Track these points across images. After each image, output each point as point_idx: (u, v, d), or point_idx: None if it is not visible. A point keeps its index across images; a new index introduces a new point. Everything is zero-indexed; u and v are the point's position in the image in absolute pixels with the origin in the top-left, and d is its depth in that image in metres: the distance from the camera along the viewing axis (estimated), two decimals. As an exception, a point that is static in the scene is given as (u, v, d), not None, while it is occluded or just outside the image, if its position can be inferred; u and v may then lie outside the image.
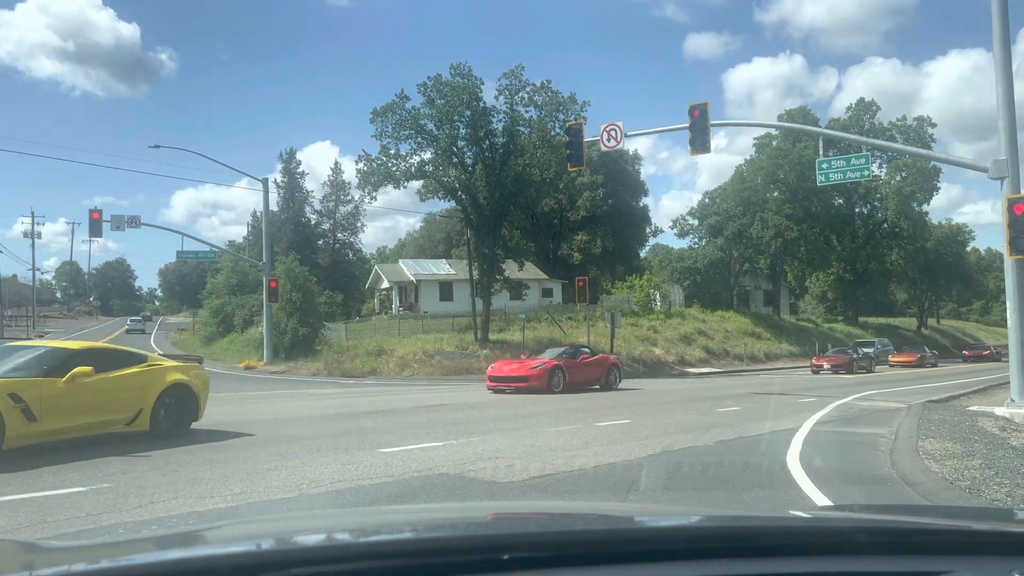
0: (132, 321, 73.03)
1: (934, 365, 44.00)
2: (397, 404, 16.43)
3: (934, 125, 63.83)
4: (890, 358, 44.18)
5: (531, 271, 54.62)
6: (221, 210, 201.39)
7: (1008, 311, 13.19)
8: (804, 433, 10.91)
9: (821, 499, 6.37)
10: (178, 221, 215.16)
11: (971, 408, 14.55)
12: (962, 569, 1.43)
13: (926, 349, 47.11)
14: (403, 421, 12.65)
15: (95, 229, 28.46)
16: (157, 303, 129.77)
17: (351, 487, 6.74)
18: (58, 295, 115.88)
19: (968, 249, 78.09)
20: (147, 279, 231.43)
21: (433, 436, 10.39)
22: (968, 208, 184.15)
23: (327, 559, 1.32)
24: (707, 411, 14.92)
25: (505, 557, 1.32)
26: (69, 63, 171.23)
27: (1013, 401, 12.69)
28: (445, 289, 56.98)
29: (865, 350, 40.96)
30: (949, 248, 69.21)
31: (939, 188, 64.25)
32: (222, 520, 5.32)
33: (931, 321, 79.47)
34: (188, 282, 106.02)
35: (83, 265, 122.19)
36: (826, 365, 35.99)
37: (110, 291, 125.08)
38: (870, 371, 35.99)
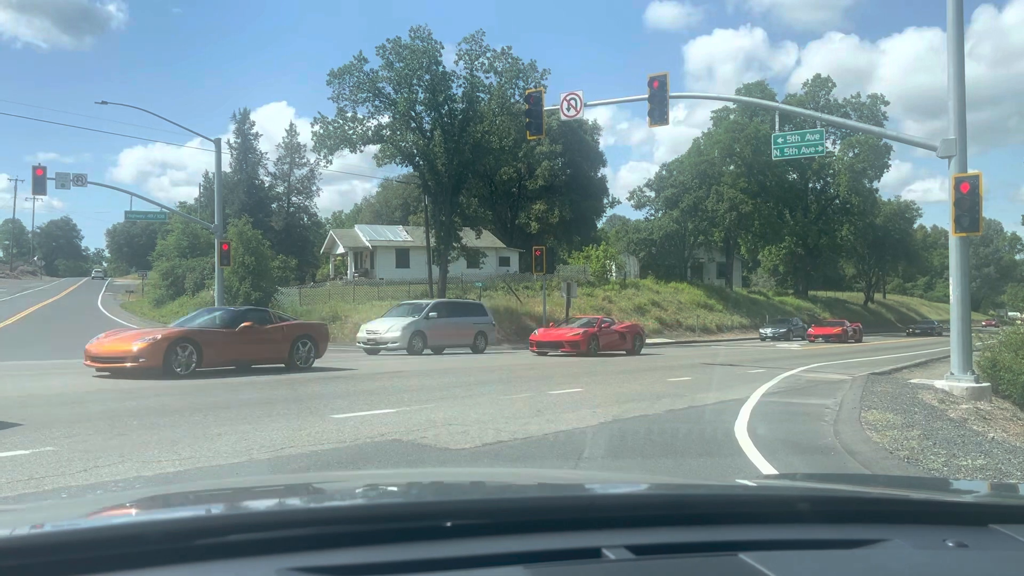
0: (96, 272, 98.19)
1: (858, 340, 42.71)
2: (350, 370, 16.35)
3: (887, 103, 65.06)
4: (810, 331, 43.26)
5: (488, 239, 54.53)
6: (172, 170, 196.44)
7: (951, 287, 13.55)
8: (752, 403, 11.13)
9: (767, 468, 6.52)
10: (127, 180, 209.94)
11: (912, 381, 15.00)
12: (897, 537, 1.46)
13: (847, 322, 45.38)
14: (355, 387, 12.59)
15: (39, 186, 27.50)
16: (104, 264, 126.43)
17: (302, 452, 6.70)
18: (0, 254, 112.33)
19: (915, 226, 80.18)
20: (94, 239, 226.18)
21: (386, 403, 10.37)
22: (917, 186, 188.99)
23: (263, 525, 1.30)
24: (658, 381, 15.12)
25: (448, 524, 1.31)
26: (11, 11, 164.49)
27: (952, 374, 13.08)
28: (401, 256, 56.64)
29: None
30: (897, 225, 70.89)
31: (890, 165, 65.74)
32: (166, 485, 5.25)
33: (877, 296, 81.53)
34: (137, 243, 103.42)
35: (27, 224, 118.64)
36: None
37: (55, 251, 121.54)
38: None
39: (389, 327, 23.81)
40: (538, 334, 25.80)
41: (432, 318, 24.40)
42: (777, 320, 48.60)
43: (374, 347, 23.36)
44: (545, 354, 23.95)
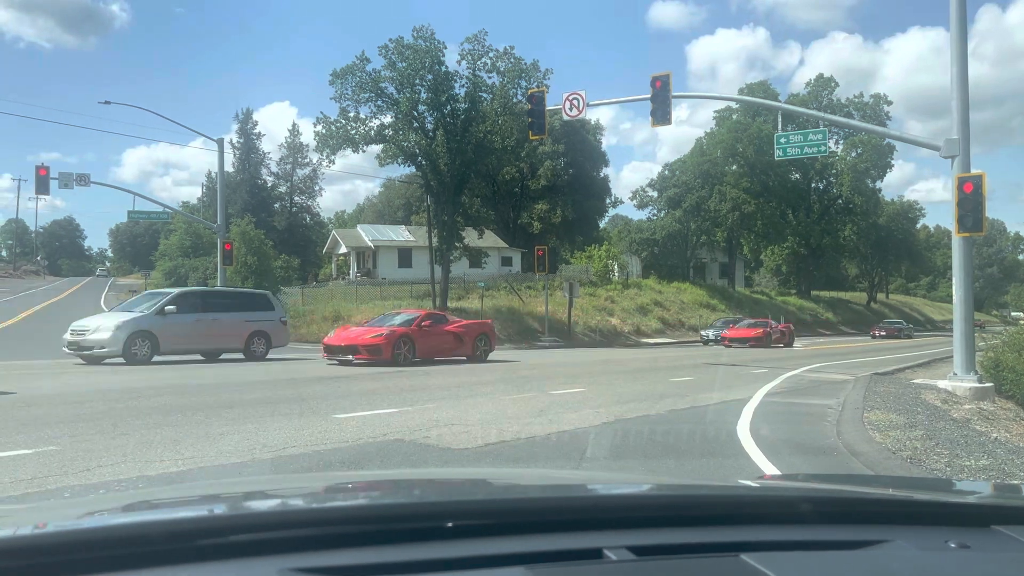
0: (100, 270, 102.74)
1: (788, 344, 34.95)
2: (352, 370, 16.35)
3: (890, 103, 65.07)
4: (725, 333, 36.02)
5: (491, 239, 54.57)
6: (174, 170, 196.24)
7: (954, 287, 13.52)
8: (754, 404, 11.12)
9: (769, 468, 6.51)
10: (129, 180, 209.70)
11: (915, 381, 14.98)
12: (899, 538, 1.46)
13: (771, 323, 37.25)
14: (358, 387, 12.59)
15: (42, 186, 27.57)
16: (107, 263, 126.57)
17: (304, 452, 6.70)
18: (3, 253, 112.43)
19: (918, 226, 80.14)
20: (97, 239, 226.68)
21: (388, 402, 10.37)
22: (920, 186, 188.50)
23: (266, 525, 1.30)
24: (661, 381, 15.12)
25: (449, 525, 1.31)
26: (14, 11, 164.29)
27: (956, 375, 13.05)
28: (404, 256, 56.66)
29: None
30: (900, 225, 70.85)
31: (893, 165, 65.71)
32: (169, 485, 5.26)
33: (880, 296, 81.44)
34: (140, 243, 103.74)
35: (30, 223, 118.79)
36: None
37: (58, 250, 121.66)
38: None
39: (99, 325, 17.83)
40: (332, 336, 19.55)
41: (170, 313, 18.28)
42: (722, 322, 40.22)
43: (78, 351, 17.54)
44: (349, 362, 17.96)
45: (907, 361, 21.77)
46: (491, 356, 21.11)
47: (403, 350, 18.18)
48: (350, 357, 18.07)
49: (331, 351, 18.64)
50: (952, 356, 13.60)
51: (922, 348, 32.29)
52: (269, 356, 20.21)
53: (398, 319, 20.05)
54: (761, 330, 34.02)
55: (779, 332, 35.08)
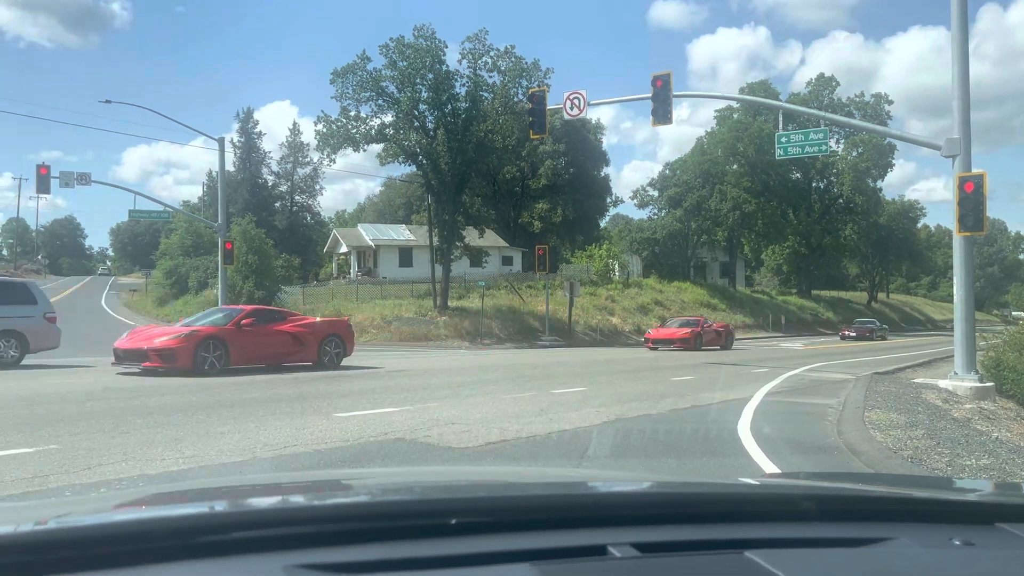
0: (102, 269, 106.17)
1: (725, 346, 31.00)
2: (352, 370, 16.35)
3: (891, 102, 64.99)
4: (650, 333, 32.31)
5: (491, 239, 54.52)
6: (175, 169, 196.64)
7: (955, 287, 13.51)
8: (755, 403, 11.12)
9: (770, 467, 6.51)
10: (130, 179, 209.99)
11: (916, 380, 14.97)
12: (902, 536, 1.46)
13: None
14: (359, 386, 12.59)
15: (43, 185, 27.56)
16: (108, 263, 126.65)
17: (305, 451, 6.70)
18: (4, 252, 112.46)
19: (919, 226, 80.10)
20: (98, 238, 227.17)
21: (389, 402, 10.37)
22: (921, 185, 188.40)
23: (269, 522, 1.30)
24: (661, 380, 15.12)
25: (453, 522, 1.31)
26: (16, 10, 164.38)
27: (956, 374, 13.04)
28: (404, 255, 56.60)
29: None
30: (901, 224, 70.79)
31: (893, 165, 65.64)
32: (170, 483, 5.26)
33: (881, 296, 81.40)
34: (141, 242, 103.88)
35: (30, 222, 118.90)
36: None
37: (59, 250, 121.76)
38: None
39: None
40: (124, 338, 15.19)
41: None
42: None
43: None
44: (153, 372, 14.10)
45: (907, 361, 21.77)
46: (348, 361, 17.18)
47: (211, 356, 14.33)
48: (138, 365, 14.28)
49: (119, 357, 14.68)
50: (952, 355, 13.60)
51: (920, 348, 32.28)
52: (28, 362, 15.87)
53: (212, 316, 16.37)
54: (689, 331, 30.10)
55: (713, 333, 31.38)
